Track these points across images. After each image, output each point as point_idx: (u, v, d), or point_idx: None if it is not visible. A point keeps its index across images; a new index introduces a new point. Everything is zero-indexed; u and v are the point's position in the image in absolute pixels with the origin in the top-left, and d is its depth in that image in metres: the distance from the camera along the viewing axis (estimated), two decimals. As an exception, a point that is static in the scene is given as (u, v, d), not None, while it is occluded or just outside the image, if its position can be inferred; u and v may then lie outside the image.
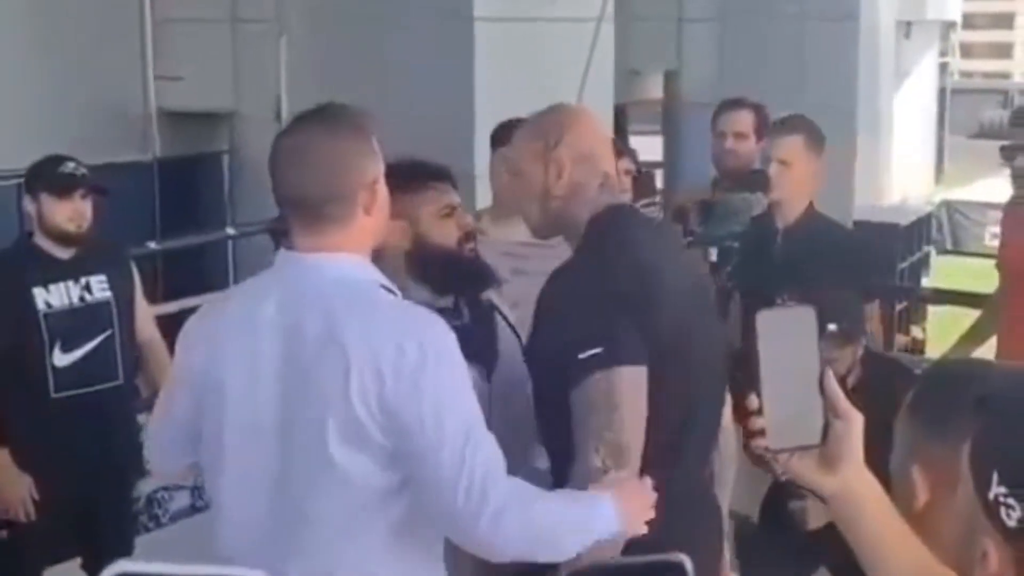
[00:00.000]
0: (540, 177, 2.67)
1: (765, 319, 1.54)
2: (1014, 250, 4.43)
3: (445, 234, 2.96)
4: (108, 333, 4.11)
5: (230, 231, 5.55)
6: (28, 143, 5.76)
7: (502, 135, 4.14)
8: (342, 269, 2.28)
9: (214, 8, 6.25)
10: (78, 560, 4.10)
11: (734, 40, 9.42)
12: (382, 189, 2.33)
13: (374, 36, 5.69)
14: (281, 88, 5.92)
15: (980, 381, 1.51)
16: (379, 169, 2.31)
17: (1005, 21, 63.75)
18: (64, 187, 4.05)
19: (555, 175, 2.65)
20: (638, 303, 2.46)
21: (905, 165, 12.71)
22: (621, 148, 5.36)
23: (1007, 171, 4.56)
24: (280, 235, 5.63)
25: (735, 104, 4.84)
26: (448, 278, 2.98)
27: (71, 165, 4.11)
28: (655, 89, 9.70)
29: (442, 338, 2.24)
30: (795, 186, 4.12)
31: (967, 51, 37.78)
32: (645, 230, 2.74)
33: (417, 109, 5.34)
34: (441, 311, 3.01)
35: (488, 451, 2.19)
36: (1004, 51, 63.82)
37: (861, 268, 4.19)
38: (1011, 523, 1.29)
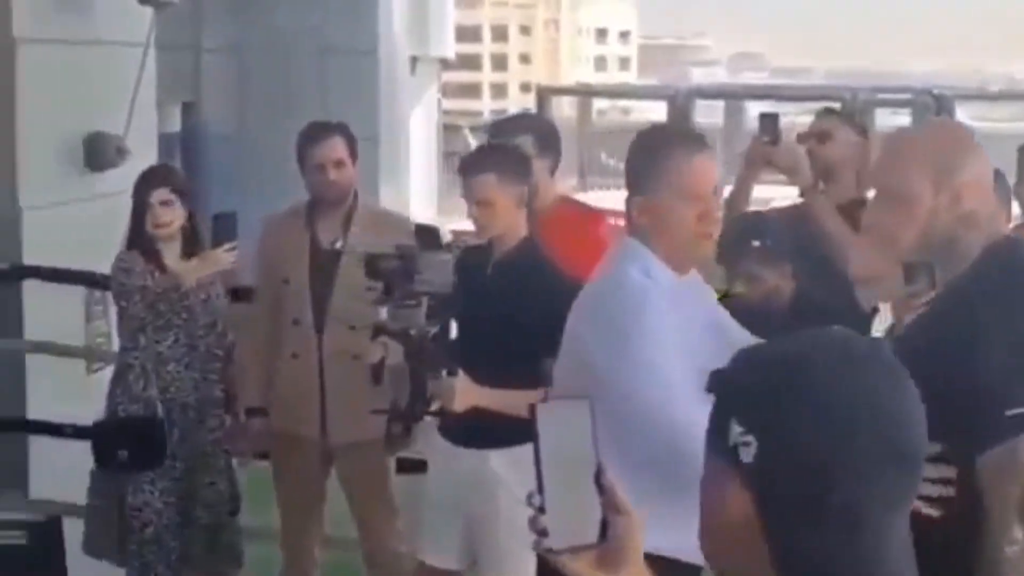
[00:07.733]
0: (928, 200, 2.54)
1: (543, 412, 1.47)
2: None
3: None
4: None
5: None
6: None
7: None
8: None
9: None
10: None
11: (255, 71, 9.31)
12: None
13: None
14: None
15: None
16: None
17: (474, 62, 67.49)
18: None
19: (948, 201, 2.52)
20: None
21: (416, 198, 13.04)
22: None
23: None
24: None
25: (323, 130, 4.61)
26: None
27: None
28: (173, 122, 9.40)
29: None
30: (501, 222, 3.93)
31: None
32: None
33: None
34: None
35: None
36: (473, 91, 67.47)
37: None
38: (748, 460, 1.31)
